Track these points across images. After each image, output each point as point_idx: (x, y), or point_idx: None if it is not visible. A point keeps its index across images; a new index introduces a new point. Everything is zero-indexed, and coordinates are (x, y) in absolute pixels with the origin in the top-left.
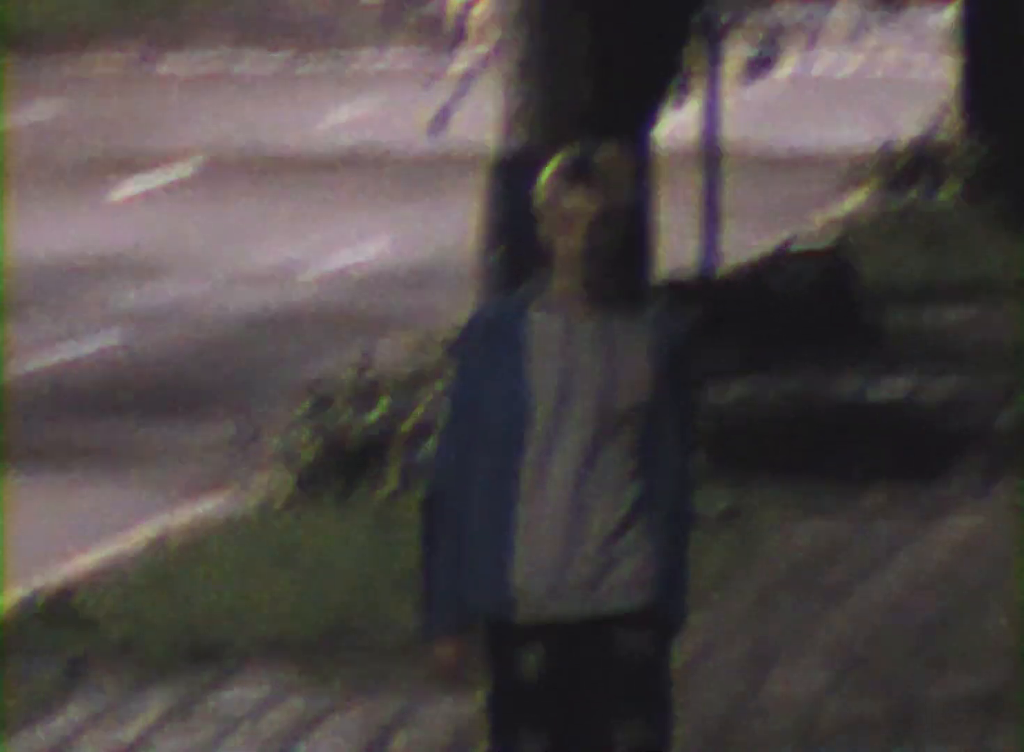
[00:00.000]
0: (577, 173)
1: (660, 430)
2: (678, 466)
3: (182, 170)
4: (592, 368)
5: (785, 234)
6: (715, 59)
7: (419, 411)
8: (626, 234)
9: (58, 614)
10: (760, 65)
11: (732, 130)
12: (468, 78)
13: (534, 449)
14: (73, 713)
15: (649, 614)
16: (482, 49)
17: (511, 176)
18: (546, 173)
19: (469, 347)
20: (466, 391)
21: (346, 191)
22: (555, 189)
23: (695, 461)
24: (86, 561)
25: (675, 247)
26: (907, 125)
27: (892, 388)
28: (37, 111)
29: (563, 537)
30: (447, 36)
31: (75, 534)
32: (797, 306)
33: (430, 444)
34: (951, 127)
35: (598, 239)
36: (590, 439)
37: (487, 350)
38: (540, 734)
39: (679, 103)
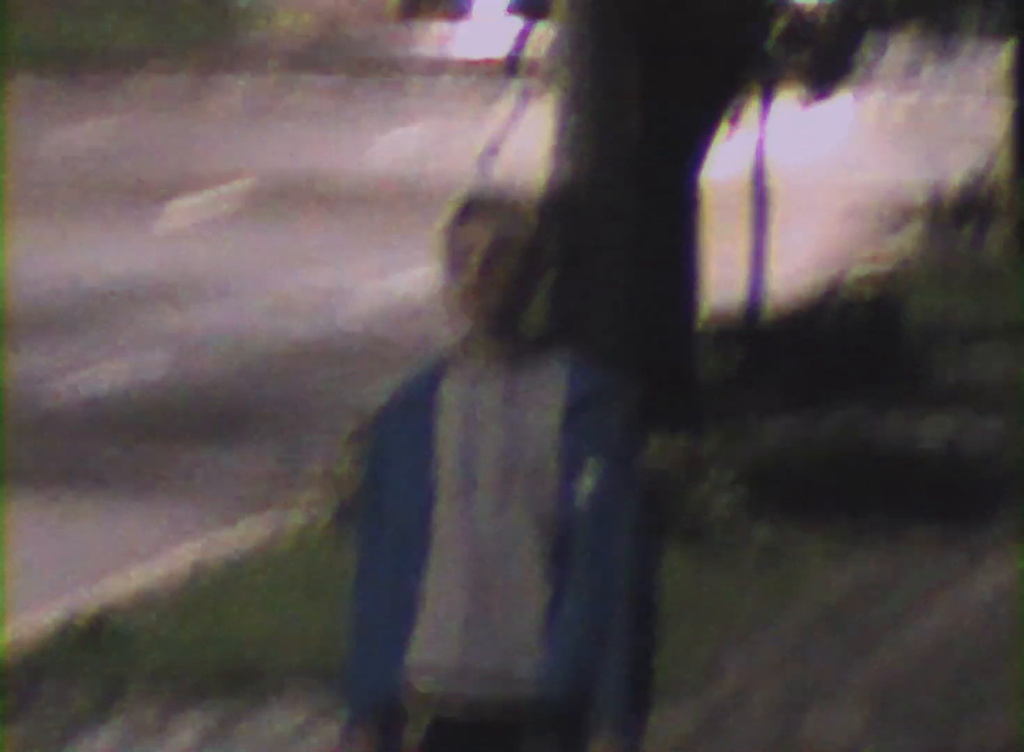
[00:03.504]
0: (469, 208)
1: (586, 499)
2: (619, 543)
3: (232, 195)
4: (493, 429)
5: (834, 274)
6: (768, 95)
7: None
8: (529, 276)
9: (96, 636)
10: (817, 93)
11: (782, 169)
12: (520, 110)
13: (439, 524)
14: (109, 736)
15: (559, 717)
16: (534, 81)
17: (560, 209)
18: (442, 221)
19: (381, 427)
20: (377, 474)
21: (395, 219)
22: (450, 229)
23: (651, 536)
24: (124, 584)
25: (723, 283)
26: (957, 168)
27: (937, 430)
28: (87, 133)
29: (466, 620)
30: (500, 68)
31: (114, 556)
32: (844, 345)
33: None
34: (1001, 171)
35: (493, 271)
36: (495, 510)
37: (400, 427)
38: None
39: (730, 138)
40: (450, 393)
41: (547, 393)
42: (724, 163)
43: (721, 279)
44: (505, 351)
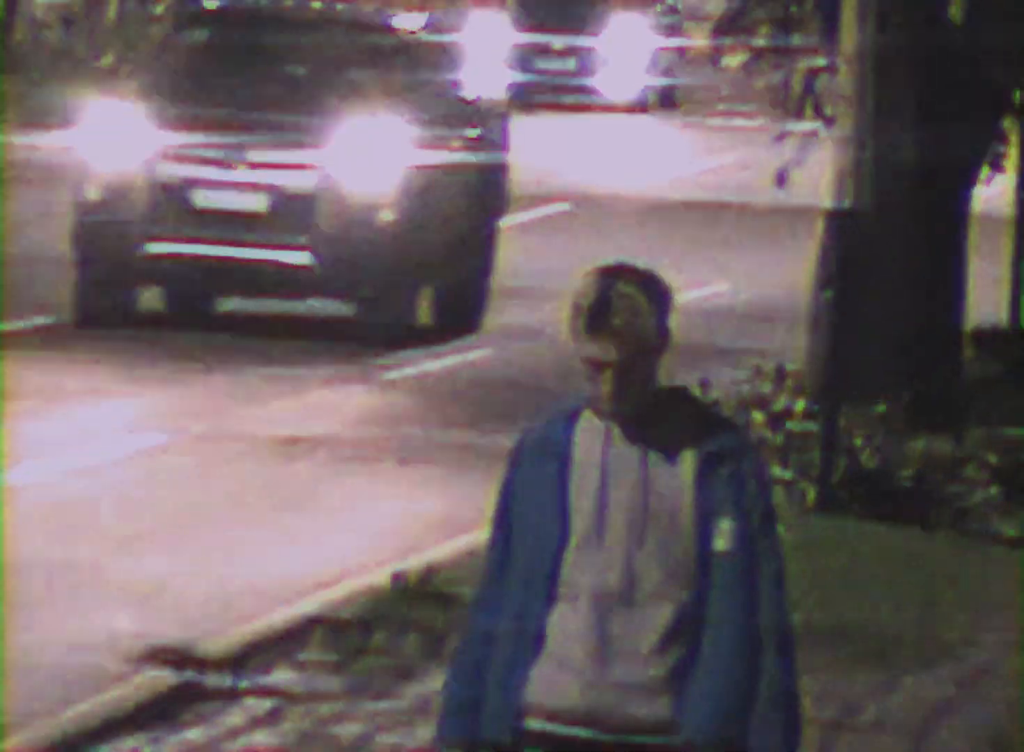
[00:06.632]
0: (593, 325)
1: (723, 552)
2: (758, 593)
3: (556, 208)
4: (628, 480)
5: None
6: None
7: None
8: (658, 361)
9: (423, 592)
10: None
11: None
12: (809, 140)
13: (568, 568)
14: (433, 681)
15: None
16: (823, 115)
17: (843, 227)
18: (574, 296)
19: (516, 464)
20: (509, 510)
21: (697, 235)
22: (576, 331)
23: (784, 583)
24: (452, 544)
25: (987, 301)
26: None
27: None
28: None
29: (589, 666)
30: (793, 102)
31: (443, 521)
32: None
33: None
34: None
35: (623, 383)
36: (624, 559)
37: (534, 465)
38: None
39: (996, 168)
40: (585, 437)
41: (679, 447)
42: (989, 192)
43: (986, 296)
44: (637, 407)
